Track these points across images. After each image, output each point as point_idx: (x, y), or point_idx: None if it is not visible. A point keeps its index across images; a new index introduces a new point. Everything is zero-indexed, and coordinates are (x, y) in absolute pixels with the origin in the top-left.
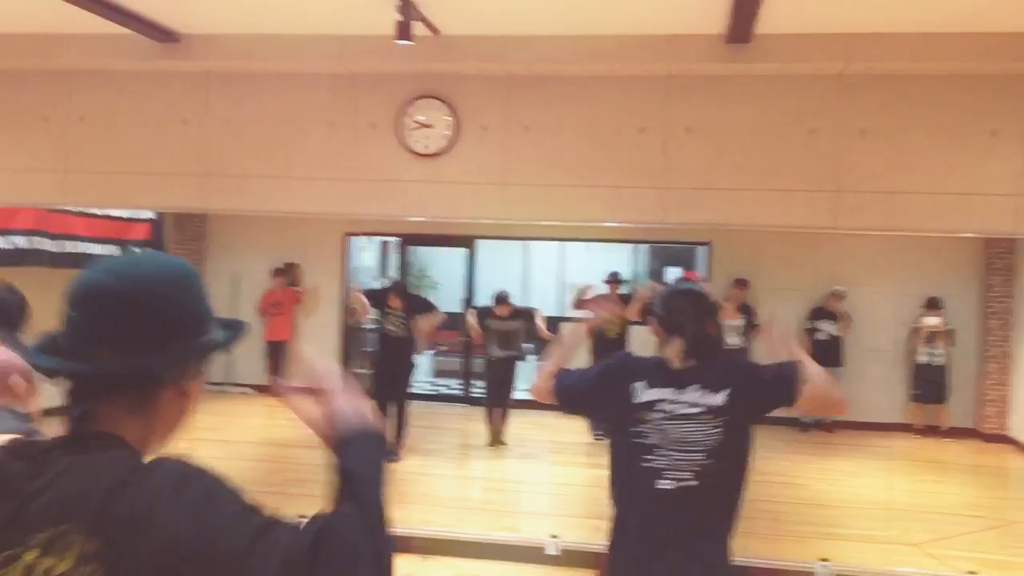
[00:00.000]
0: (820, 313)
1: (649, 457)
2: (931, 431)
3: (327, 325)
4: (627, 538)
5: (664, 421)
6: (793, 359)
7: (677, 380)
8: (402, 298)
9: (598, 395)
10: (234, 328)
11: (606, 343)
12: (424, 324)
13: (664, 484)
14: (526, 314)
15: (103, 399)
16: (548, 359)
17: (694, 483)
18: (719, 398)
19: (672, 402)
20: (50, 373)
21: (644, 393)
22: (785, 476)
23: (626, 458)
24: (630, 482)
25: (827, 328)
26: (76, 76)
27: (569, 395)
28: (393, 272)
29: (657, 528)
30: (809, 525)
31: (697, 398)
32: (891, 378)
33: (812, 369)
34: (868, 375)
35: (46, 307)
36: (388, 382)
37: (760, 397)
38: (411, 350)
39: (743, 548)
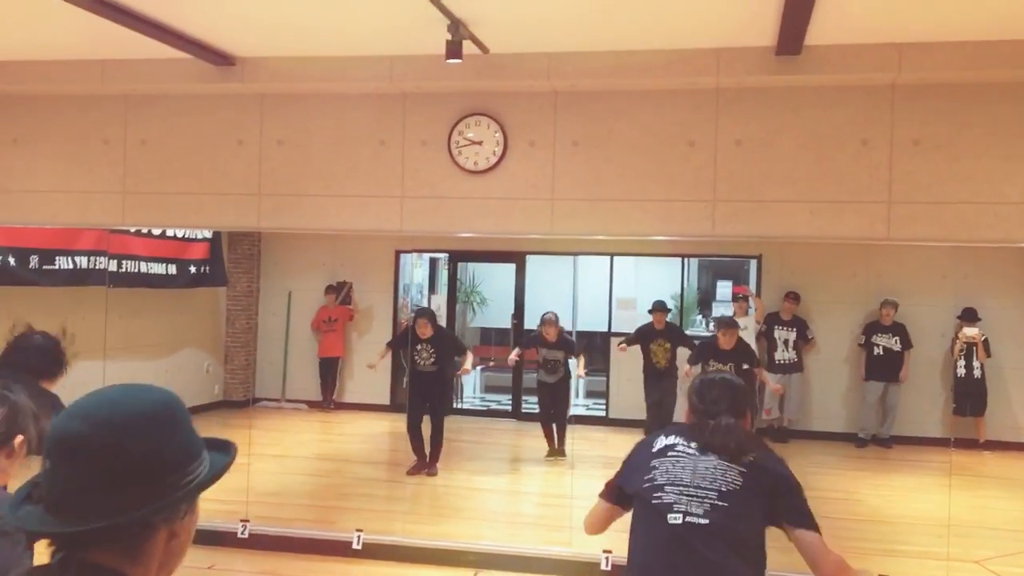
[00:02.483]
0: (875, 327)
1: (659, 495)
2: (970, 444)
3: (379, 342)
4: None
5: (677, 459)
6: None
7: (699, 438)
8: (432, 326)
9: (632, 468)
10: (224, 450)
11: (656, 373)
12: (460, 366)
13: (673, 518)
14: (568, 347)
15: (92, 548)
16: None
17: (703, 520)
18: (738, 465)
19: (687, 447)
20: (32, 536)
21: (660, 441)
22: (842, 492)
23: (643, 511)
24: (641, 523)
25: (883, 342)
26: (135, 100)
27: (622, 495)
28: (443, 288)
29: (661, 567)
30: (867, 542)
31: (715, 457)
32: (946, 392)
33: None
34: (923, 389)
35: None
36: (421, 410)
37: (775, 502)
38: (443, 382)
39: (799, 564)
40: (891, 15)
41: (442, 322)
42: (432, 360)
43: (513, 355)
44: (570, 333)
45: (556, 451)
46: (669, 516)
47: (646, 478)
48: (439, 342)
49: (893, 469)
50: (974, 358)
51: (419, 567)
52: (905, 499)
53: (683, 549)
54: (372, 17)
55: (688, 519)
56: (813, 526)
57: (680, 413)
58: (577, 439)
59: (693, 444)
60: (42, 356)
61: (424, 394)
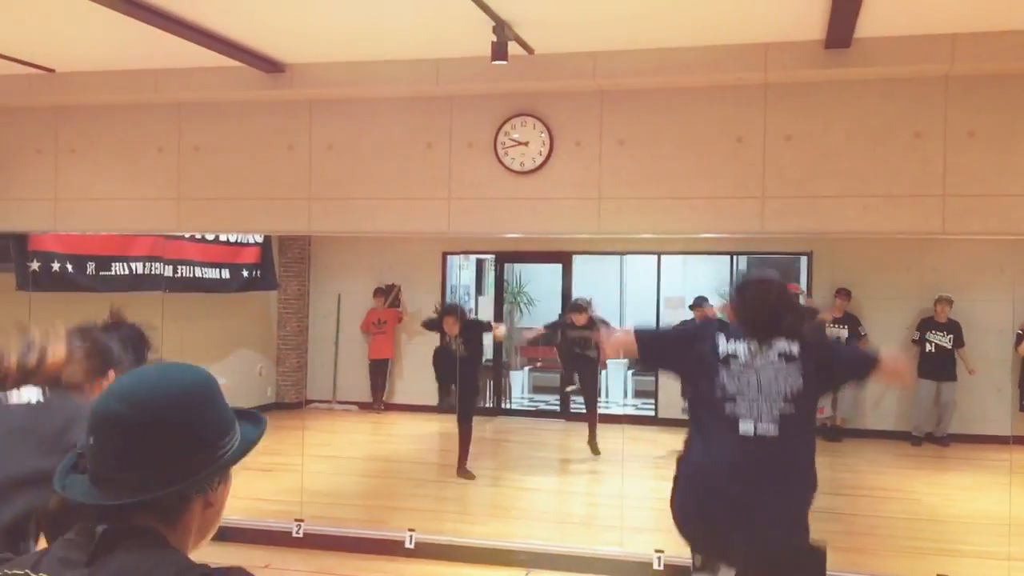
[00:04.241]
0: (928, 324)
1: (731, 405)
2: None
3: (428, 343)
4: (695, 470)
5: (743, 369)
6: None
7: (754, 335)
8: (459, 321)
9: (682, 345)
10: (255, 422)
11: None
12: (498, 329)
13: (745, 428)
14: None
15: (132, 517)
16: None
17: (773, 432)
18: (795, 348)
19: (747, 352)
20: (78, 508)
21: (724, 345)
22: (898, 491)
23: (707, 406)
24: (711, 427)
25: (936, 339)
26: (187, 107)
27: (652, 345)
28: (489, 289)
29: (730, 467)
30: (924, 541)
31: (774, 351)
32: (1006, 388)
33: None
34: (982, 386)
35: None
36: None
37: (834, 372)
38: (475, 368)
39: (856, 563)
40: (943, 5)
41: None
42: (462, 343)
43: (538, 333)
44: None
45: (591, 442)
46: (741, 425)
47: (716, 383)
48: (465, 332)
49: (950, 467)
50: None
51: (470, 566)
52: (963, 498)
53: (752, 458)
54: (417, 20)
55: (759, 431)
56: (871, 365)
57: None
58: (627, 439)
59: (752, 346)
60: (131, 343)
61: (459, 379)
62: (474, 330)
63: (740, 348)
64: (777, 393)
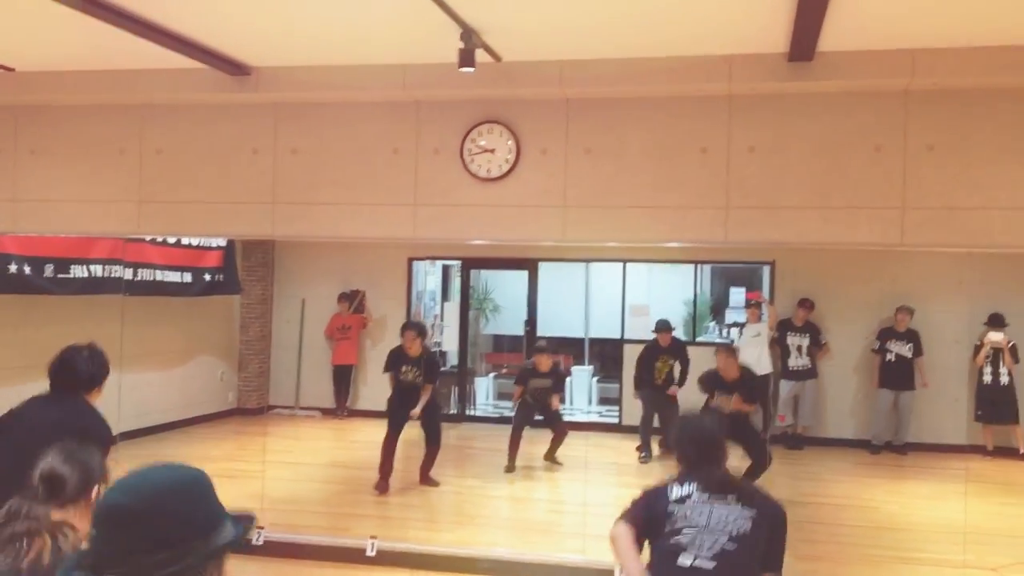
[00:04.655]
0: (889, 333)
1: (677, 537)
2: (1005, 452)
3: None
4: None
5: (695, 505)
6: None
7: (707, 484)
8: (420, 337)
9: (655, 505)
10: (244, 521)
11: (656, 388)
12: (424, 395)
13: (684, 559)
14: (558, 380)
15: None
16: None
17: (710, 564)
18: (749, 509)
19: (702, 494)
20: None
21: (675, 490)
22: (856, 499)
23: (658, 552)
24: (658, 560)
25: (896, 348)
26: (151, 109)
27: (642, 520)
28: (455, 295)
29: None
30: (883, 549)
31: (730, 496)
32: (962, 398)
33: None
34: (939, 395)
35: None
36: (403, 422)
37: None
38: (431, 397)
39: (817, 571)
40: (904, 21)
41: (455, 330)
42: (418, 371)
43: (516, 395)
44: (560, 365)
45: (549, 456)
46: (681, 556)
47: (666, 522)
48: (424, 357)
49: (908, 476)
50: (1001, 364)
51: (432, 574)
52: (921, 506)
53: None
54: (385, 26)
55: (697, 562)
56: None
57: None
58: (591, 446)
59: (706, 492)
60: (88, 372)
61: (408, 407)
62: (430, 367)
63: (693, 489)
64: (722, 530)
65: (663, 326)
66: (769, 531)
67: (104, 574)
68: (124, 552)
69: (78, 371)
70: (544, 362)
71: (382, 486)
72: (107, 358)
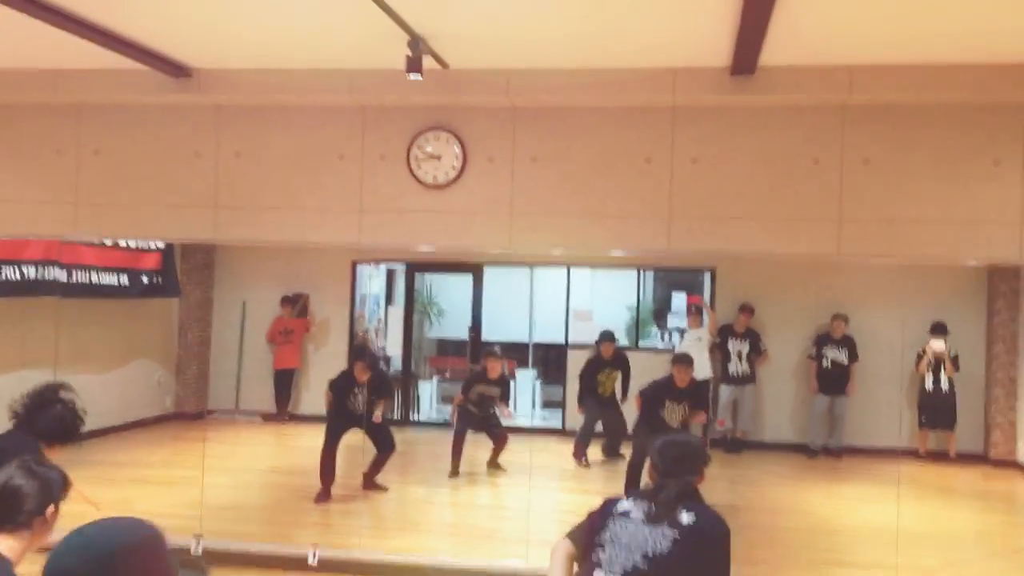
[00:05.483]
0: (825, 339)
1: (597, 553)
2: (940, 457)
3: (335, 355)
4: None
5: (626, 523)
6: None
7: (651, 502)
8: (372, 370)
9: (592, 525)
10: (199, 569)
11: (599, 400)
12: (378, 410)
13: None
14: (505, 388)
15: None
16: None
17: None
18: (685, 518)
19: (639, 512)
20: None
21: (622, 504)
22: (791, 502)
23: (582, 567)
24: (581, 569)
25: (832, 355)
26: (89, 109)
27: (582, 538)
28: (400, 299)
29: None
30: (816, 551)
31: (667, 517)
32: (896, 403)
33: None
34: (873, 400)
35: (52, 337)
36: (343, 432)
37: (700, 571)
38: (381, 422)
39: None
40: (843, 38)
41: (399, 333)
42: (364, 399)
43: (456, 401)
44: (506, 371)
45: (492, 463)
46: (595, 572)
47: (598, 536)
48: (373, 383)
49: (843, 479)
50: (942, 372)
51: None
52: (855, 509)
53: None
54: (332, 31)
55: None
56: None
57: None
58: (534, 450)
59: (643, 510)
60: (58, 425)
61: (353, 420)
62: (382, 389)
63: (636, 507)
64: (637, 548)
65: (606, 336)
66: (697, 554)
67: None
68: None
69: (39, 423)
70: (495, 368)
71: (323, 496)
72: (75, 421)
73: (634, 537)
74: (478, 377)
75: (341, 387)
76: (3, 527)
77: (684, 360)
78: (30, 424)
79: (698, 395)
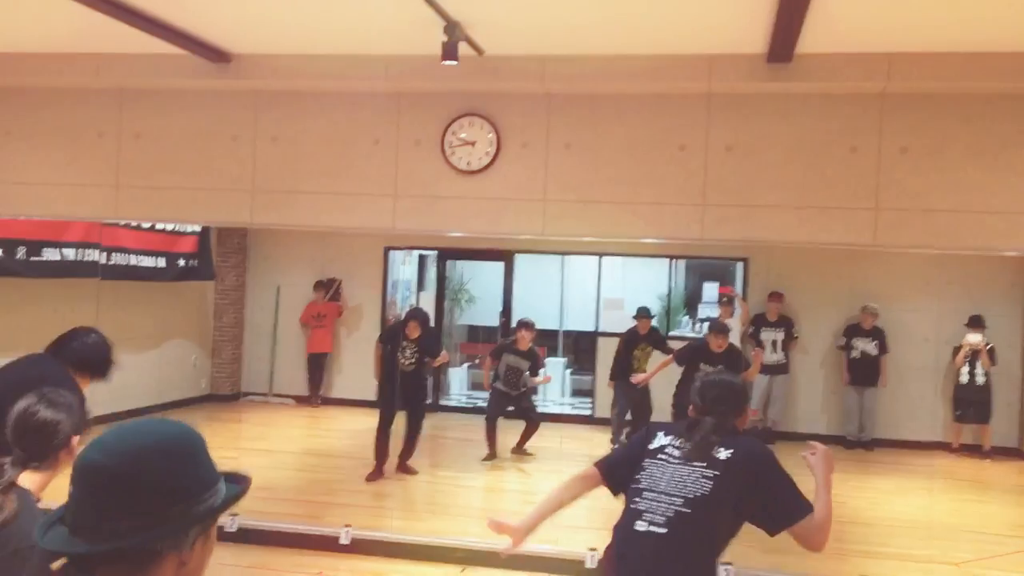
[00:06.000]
0: (854, 330)
1: (636, 500)
2: (974, 451)
3: (368, 339)
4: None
5: (663, 463)
6: (807, 505)
7: (688, 435)
8: (422, 327)
9: (635, 454)
10: (239, 482)
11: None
12: (431, 363)
13: (640, 526)
14: (535, 361)
15: (100, 569)
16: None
17: (661, 530)
18: (723, 454)
19: (675, 449)
20: (51, 555)
21: (658, 439)
22: None
23: (623, 512)
24: (621, 519)
25: (861, 346)
26: (130, 94)
27: (615, 474)
28: (431, 285)
29: (620, 557)
30: (848, 543)
31: (703, 453)
32: (929, 396)
33: (817, 517)
34: (906, 393)
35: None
36: (397, 409)
37: (750, 501)
38: (422, 383)
39: (783, 564)
40: (881, 26)
41: (431, 320)
42: (414, 354)
43: (486, 366)
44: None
45: (518, 449)
46: (637, 523)
47: (635, 477)
48: (423, 341)
49: (875, 471)
50: (978, 365)
51: (406, 563)
52: (887, 501)
53: (642, 554)
54: (369, 17)
55: (651, 527)
56: (799, 515)
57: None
58: (564, 438)
59: (679, 447)
60: (95, 354)
61: (403, 396)
62: (431, 347)
63: (674, 444)
64: (678, 493)
65: (643, 312)
66: (741, 483)
67: (80, 535)
68: (99, 514)
69: (71, 346)
70: (525, 339)
71: (376, 474)
72: (108, 353)
73: (672, 480)
74: (507, 347)
75: (392, 339)
76: (30, 462)
77: (720, 327)
78: (62, 352)
79: (732, 360)
